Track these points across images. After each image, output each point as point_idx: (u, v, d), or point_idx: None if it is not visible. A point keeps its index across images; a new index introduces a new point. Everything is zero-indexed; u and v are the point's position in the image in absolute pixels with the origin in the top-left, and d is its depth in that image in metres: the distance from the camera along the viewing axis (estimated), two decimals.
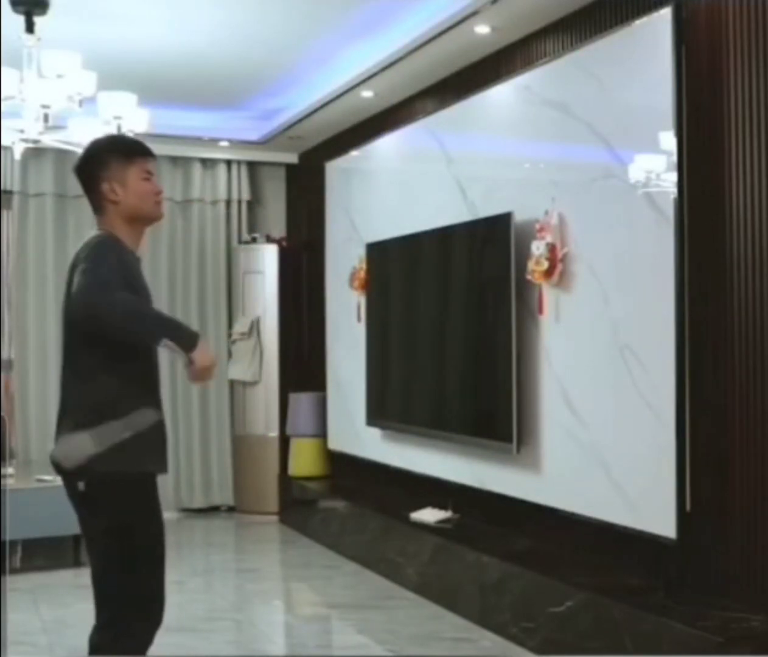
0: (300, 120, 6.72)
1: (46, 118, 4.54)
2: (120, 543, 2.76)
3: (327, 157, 6.99)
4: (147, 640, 2.83)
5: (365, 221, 6.34)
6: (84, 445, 2.72)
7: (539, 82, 4.59)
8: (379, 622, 4.82)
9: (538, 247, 4.38)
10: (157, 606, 2.85)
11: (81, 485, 2.76)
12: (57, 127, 4.82)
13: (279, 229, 8.03)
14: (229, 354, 7.57)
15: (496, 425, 4.75)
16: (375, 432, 6.14)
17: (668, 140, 3.76)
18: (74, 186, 7.03)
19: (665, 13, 3.78)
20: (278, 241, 7.69)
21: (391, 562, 5.49)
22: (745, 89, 3.60)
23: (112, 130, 4.72)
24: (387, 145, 6.13)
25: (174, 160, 7.55)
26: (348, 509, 6.21)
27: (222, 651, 4.50)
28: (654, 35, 3.85)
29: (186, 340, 2.70)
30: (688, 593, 3.78)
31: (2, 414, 6.48)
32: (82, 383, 2.79)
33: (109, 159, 2.86)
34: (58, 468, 2.83)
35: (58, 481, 2.90)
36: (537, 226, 4.43)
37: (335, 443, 6.86)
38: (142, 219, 2.91)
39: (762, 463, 3.55)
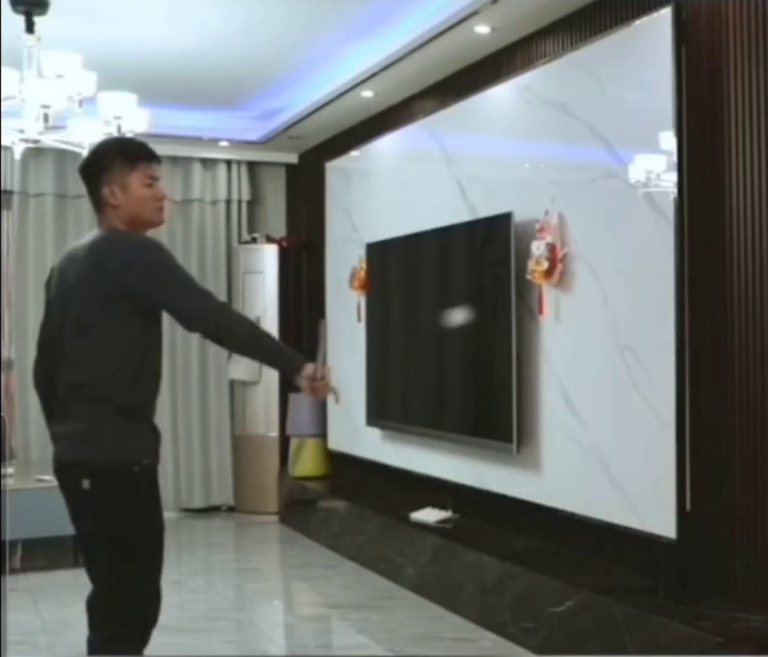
0: (300, 120, 6.72)
1: (46, 118, 4.54)
2: (127, 541, 2.75)
3: (327, 157, 6.99)
4: (146, 639, 2.83)
5: (365, 221, 6.33)
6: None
7: (539, 82, 4.59)
8: (379, 622, 4.82)
9: (538, 247, 4.38)
10: (156, 604, 2.86)
11: (86, 483, 2.74)
12: (57, 127, 4.81)
13: (279, 229, 8.03)
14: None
15: (496, 425, 4.75)
16: (375, 432, 6.14)
17: (668, 140, 3.76)
18: (74, 186, 7.24)
19: (665, 13, 3.78)
20: (278, 241, 7.69)
21: (391, 562, 5.49)
22: (745, 89, 3.60)
23: (112, 130, 4.73)
24: (387, 145, 6.13)
25: (174, 160, 7.53)
26: (348, 509, 6.21)
27: (222, 651, 4.51)
28: (654, 35, 3.85)
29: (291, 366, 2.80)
30: (688, 593, 3.78)
31: (2, 414, 6.48)
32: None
33: (111, 162, 2.82)
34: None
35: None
36: (537, 226, 4.43)
37: (335, 443, 6.86)
38: (142, 224, 2.87)
39: (762, 463, 3.55)
